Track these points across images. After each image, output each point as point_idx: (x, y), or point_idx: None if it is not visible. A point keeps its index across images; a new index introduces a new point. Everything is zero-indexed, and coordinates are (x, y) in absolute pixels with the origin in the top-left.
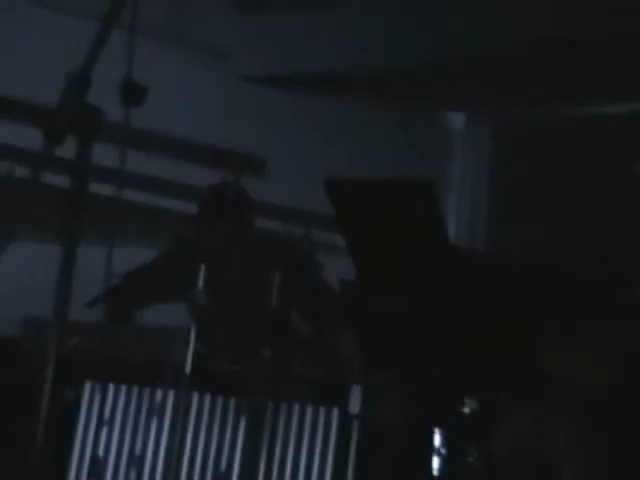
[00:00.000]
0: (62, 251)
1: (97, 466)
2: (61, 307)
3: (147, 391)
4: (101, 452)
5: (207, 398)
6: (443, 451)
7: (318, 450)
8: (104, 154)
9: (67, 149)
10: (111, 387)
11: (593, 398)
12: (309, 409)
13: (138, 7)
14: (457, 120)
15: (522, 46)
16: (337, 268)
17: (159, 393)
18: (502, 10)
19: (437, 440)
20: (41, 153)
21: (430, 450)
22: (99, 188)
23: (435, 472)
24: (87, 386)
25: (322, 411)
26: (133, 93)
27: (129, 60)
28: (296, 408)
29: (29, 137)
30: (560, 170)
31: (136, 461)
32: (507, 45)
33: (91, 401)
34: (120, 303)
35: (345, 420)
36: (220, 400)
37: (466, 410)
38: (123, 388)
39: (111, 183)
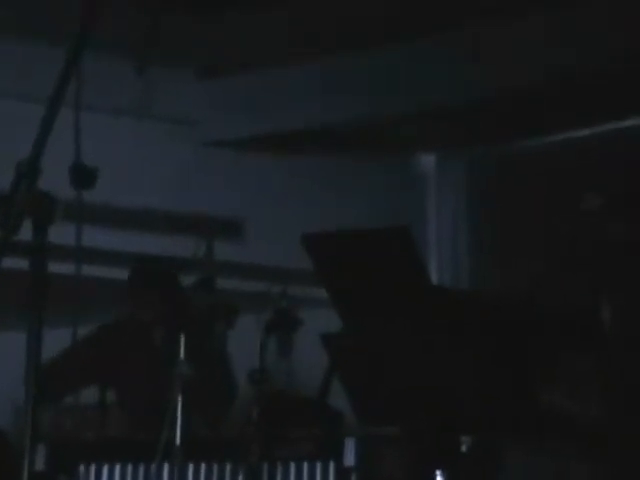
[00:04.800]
0: (27, 335)
1: None
2: (31, 393)
3: (141, 467)
4: None
5: (202, 467)
6: None
7: None
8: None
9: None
10: (105, 467)
11: (591, 429)
12: (306, 465)
13: (100, 83)
14: (428, 161)
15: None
16: (316, 323)
17: (153, 468)
18: (468, 59)
19: None
20: None
21: None
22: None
23: None
24: (81, 469)
25: (319, 466)
26: (82, 176)
27: (76, 142)
28: (292, 465)
29: None
30: (534, 201)
31: None
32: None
33: None
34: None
35: (342, 473)
36: (215, 467)
37: (464, 449)
38: (117, 467)
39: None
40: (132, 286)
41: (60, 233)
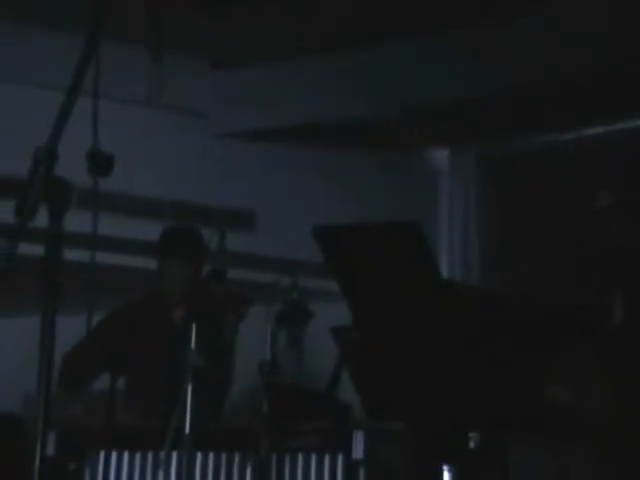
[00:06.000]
0: (41, 321)
1: None
2: (44, 380)
3: (150, 455)
4: None
5: (210, 456)
6: None
7: None
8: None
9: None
10: (114, 454)
11: (594, 426)
12: (314, 456)
13: (114, 73)
14: (441, 156)
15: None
16: (327, 315)
17: (162, 456)
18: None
19: (446, 477)
20: (14, 228)
21: None
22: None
23: None
24: (90, 456)
25: (327, 458)
26: (99, 163)
27: (94, 129)
28: (300, 457)
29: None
30: (545, 197)
31: None
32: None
33: (95, 470)
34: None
35: (350, 465)
36: (224, 457)
37: (472, 445)
38: (126, 454)
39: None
40: (163, 249)
41: (75, 220)
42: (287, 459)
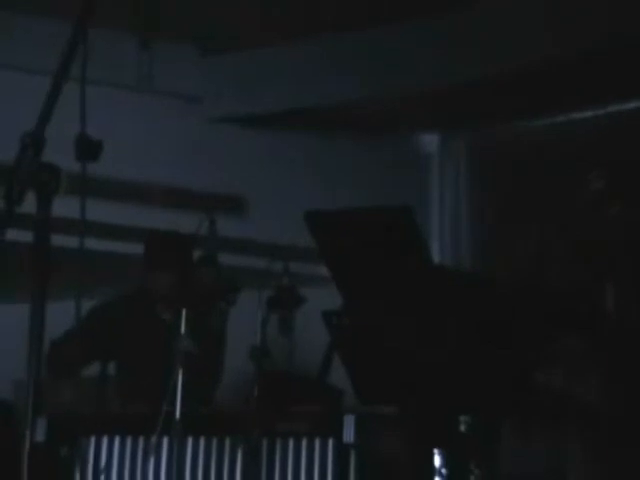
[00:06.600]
0: (31, 307)
1: None
2: (34, 366)
3: (141, 440)
4: None
5: (201, 441)
6: (444, 471)
7: None
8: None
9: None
10: (105, 440)
11: (589, 412)
12: (304, 441)
13: (104, 59)
14: (431, 141)
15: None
16: (318, 300)
17: (153, 440)
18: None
19: (437, 461)
20: (1, 214)
21: (431, 471)
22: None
23: None
24: (82, 441)
25: (317, 442)
26: (87, 148)
27: (82, 114)
28: (291, 441)
29: None
30: (535, 182)
31: None
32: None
33: (86, 455)
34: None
35: (341, 450)
36: (215, 442)
37: (463, 428)
38: (117, 439)
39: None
40: (150, 251)
41: (64, 206)
42: (278, 444)
